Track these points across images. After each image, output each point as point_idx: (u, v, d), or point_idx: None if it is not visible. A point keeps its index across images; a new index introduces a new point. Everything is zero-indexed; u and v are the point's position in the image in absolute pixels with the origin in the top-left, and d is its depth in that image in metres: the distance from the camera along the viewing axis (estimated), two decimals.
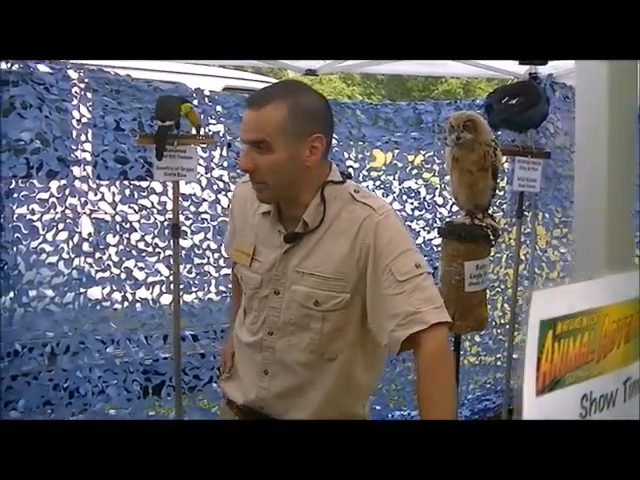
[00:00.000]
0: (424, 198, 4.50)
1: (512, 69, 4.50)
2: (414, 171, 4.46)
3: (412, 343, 1.93)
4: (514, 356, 4.65)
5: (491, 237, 3.34)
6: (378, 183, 4.33)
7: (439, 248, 4.37)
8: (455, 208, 4.49)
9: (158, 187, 3.84)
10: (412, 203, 4.46)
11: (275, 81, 6.04)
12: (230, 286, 3.96)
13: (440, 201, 4.54)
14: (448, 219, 3.57)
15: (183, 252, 3.74)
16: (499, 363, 4.82)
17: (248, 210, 2.22)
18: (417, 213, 4.47)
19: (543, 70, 4.41)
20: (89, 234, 3.72)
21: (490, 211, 3.55)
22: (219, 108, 4.00)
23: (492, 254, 3.98)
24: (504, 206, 4.69)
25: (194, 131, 3.49)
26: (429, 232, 4.49)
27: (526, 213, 4.62)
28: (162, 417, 4.03)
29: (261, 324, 2.15)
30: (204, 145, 3.79)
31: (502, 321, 4.72)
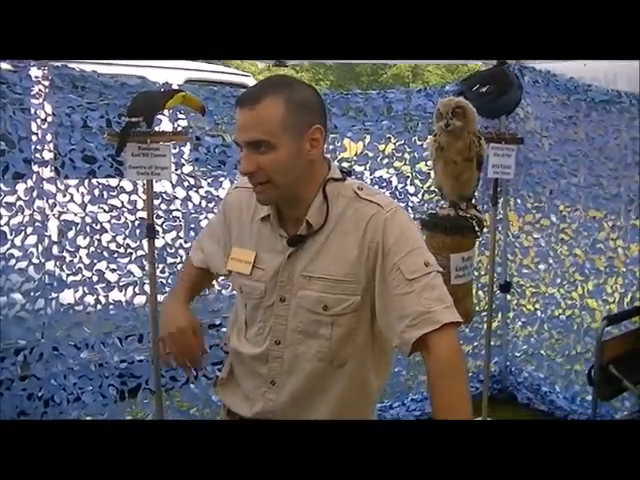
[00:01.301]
0: (396, 187, 4.45)
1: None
2: (385, 160, 4.40)
3: (423, 344, 1.88)
4: (492, 343, 4.65)
5: (476, 228, 3.30)
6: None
7: None
8: (427, 197, 4.48)
9: (128, 186, 3.73)
10: (384, 192, 4.40)
11: (242, 73, 6.00)
12: None
13: (412, 190, 4.49)
14: (431, 211, 3.51)
15: (155, 251, 3.63)
16: (477, 351, 4.80)
17: (245, 217, 2.14)
18: None
19: None
20: (59, 237, 3.60)
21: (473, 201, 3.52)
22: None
23: None
24: (476, 193, 4.65)
25: (171, 128, 3.39)
26: None
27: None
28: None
29: (267, 334, 2.07)
30: (178, 142, 3.68)
31: (477, 308, 4.69)
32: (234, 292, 2.28)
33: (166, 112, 3.61)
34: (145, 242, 3.56)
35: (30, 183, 3.49)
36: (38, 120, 3.50)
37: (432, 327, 1.85)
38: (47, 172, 3.57)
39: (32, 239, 3.51)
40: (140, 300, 3.81)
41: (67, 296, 3.66)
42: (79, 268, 3.66)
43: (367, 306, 2.00)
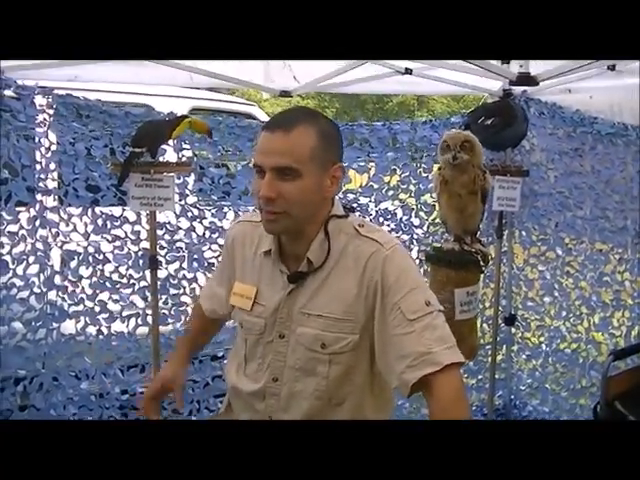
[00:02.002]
0: (401, 219, 4.42)
1: (485, 86, 4.45)
2: (390, 192, 4.38)
3: (424, 385, 1.84)
4: (496, 376, 4.60)
5: (481, 263, 3.27)
6: (354, 205, 4.24)
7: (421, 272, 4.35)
8: (432, 229, 4.45)
9: (131, 216, 3.71)
10: (389, 225, 4.37)
11: (248, 102, 6.00)
12: None
13: (417, 222, 4.46)
14: (436, 245, 3.49)
15: (158, 282, 3.60)
16: (481, 384, 4.74)
17: (248, 251, 2.12)
18: (394, 235, 4.37)
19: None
20: (61, 266, 3.58)
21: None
22: (192, 132, 3.87)
23: None
24: (481, 225, 4.63)
25: (175, 158, 3.38)
26: None
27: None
28: None
29: (265, 370, 2.05)
30: (182, 173, 3.67)
31: (482, 341, 4.65)
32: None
33: (171, 141, 3.59)
34: (148, 273, 3.54)
35: (33, 212, 3.47)
36: (42, 148, 3.49)
37: (433, 368, 1.82)
38: (50, 201, 3.55)
39: (34, 268, 3.48)
40: (142, 331, 3.77)
41: (69, 326, 3.63)
42: (81, 298, 3.63)
43: (366, 345, 1.97)
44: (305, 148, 1.85)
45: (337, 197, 2.05)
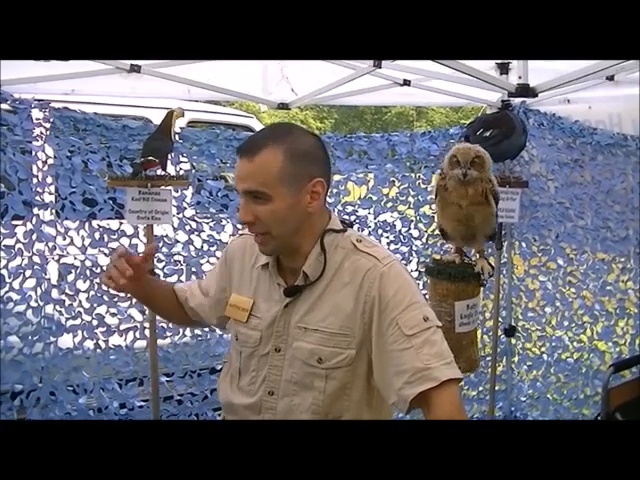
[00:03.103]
0: (399, 231, 4.40)
1: (484, 97, 4.45)
2: (389, 204, 4.36)
3: (422, 401, 1.82)
4: (496, 388, 4.58)
5: (483, 276, 3.25)
6: (353, 217, 4.23)
7: (416, 282, 4.32)
8: (431, 240, 4.43)
9: (129, 229, 3.70)
10: (388, 237, 4.36)
11: (245, 114, 5.99)
12: (206, 329, 3.89)
13: (416, 234, 4.45)
14: (436, 256, 3.45)
15: None
16: (481, 396, 4.72)
17: (246, 263, 2.11)
18: (393, 247, 4.36)
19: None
20: (58, 280, 3.56)
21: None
22: (189, 145, 3.86)
23: None
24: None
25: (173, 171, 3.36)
26: (406, 265, 4.39)
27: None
28: None
29: (260, 384, 2.03)
30: (180, 186, 3.65)
31: (482, 353, 4.63)
32: None
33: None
34: None
35: (30, 226, 3.46)
36: (39, 162, 3.48)
37: (431, 384, 1.80)
38: (47, 215, 3.54)
39: (31, 282, 3.47)
40: (140, 345, 3.76)
41: (66, 340, 3.61)
42: (78, 312, 3.61)
43: (363, 361, 1.95)
44: (270, 170, 1.84)
45: (334, 211, 2.04)
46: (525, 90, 3.24)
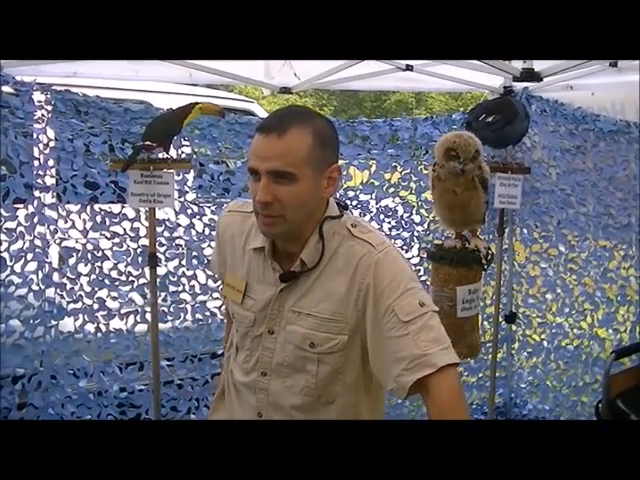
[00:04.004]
0: (401, 217, 4.39)
1: (486, 82, 4.43)
2: (391, 189, 4.35)
3: (421, 387, 1.82)
4: (496, 374, 4.58)
5: (483, 261, 3.25)
6: (355, 202, 4.22)
7: (417, 267, 4.33)
8: (433, 226, 4.42)
9: (130, 213, 3.69)
10: (389, 222, 4.35)
11: (246, 99, 5.96)
12: (207, 314, 3.89)
13: (417, 219, 4.43)
14: (437, 242, 3.45)
15: (157, 280, 3.57)
16: (481, 382, 4.72)
17: (236, 243, 2.09)
18: (395, 232, 4.35)
19: (519, 83, 4.33)
20: (59, 263, 3.55)
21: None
22: (191, 129, 3.84)
23: None
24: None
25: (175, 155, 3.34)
26: (407, 251, 4.39)
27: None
28: None
29: (254, 364, 2.04)
30: (182, 170, 3.64)
31: (482, 339, 4.63)
32: None
33: None
34: (147, 270, 3.52)
35: (31, 209, 3.45)
36: (40, 145, 3.46)
37: (429, 370, 1.79)
38: (48, 198, 3.53)
39: (32, 266, 3.46)
40: (141, 329, 3.75)
41: (67, 324, 3.60)
42: (80, 295, 3.61)
43: (356, 347, 1.95)
44: (301, 151, 1.81)
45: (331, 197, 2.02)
46: (530, 75, 3.23)
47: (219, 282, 2.50)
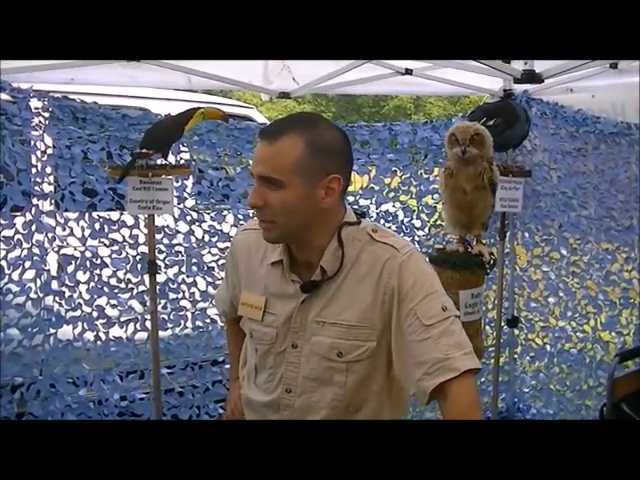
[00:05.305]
0: (402, 221, 4.37)
1: (486, 86, 4.42)
2: (391, 194, 4.33)
3: (441, 391, 1.80)
4: (499, 379, 4.55)
5: (486, 265, 3.22)
6: (355, 207, 4.18)
7: None
8: (434, 231, 4.40)
9: (129, 220, 3.66)
10: (390, 227, 4.32)
11: (245, 105, 5.94)
12: (207, 321, 3.86)
13: (418, 224, 4.42)
14: (439, 246, 3.43)
15: (157, 287, 3.55)
16: (484, 387, 4.69)
17: (253, 260, 2.06)
18: None
19: (519, 86, 4.32)
20: (58, 271, 3.53)
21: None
22: (190, 135, 3.82)
23: None
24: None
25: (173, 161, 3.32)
26: None
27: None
28: None
29: (278, 382, 2.00)
30: (181, 176, 3.61)
31: (485, 343, 4.60)
32: None
33: None
34: (146, 277, 3.49)
35: (29, 216, 3.42)
36: (38, 152, 3.44)
37: (451, 375, 1.79)
38: (46, 205, 3.51)
39: (30, 273, 3.43)
40: (141, 336, 3.73)
41: (66, 332, 3.57)
42: (78, 303, 3.58)
43: (383, 352, 1.93)
44: (288, 158, 1.80)
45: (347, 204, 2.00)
46: (531, 76, 3.19)
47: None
